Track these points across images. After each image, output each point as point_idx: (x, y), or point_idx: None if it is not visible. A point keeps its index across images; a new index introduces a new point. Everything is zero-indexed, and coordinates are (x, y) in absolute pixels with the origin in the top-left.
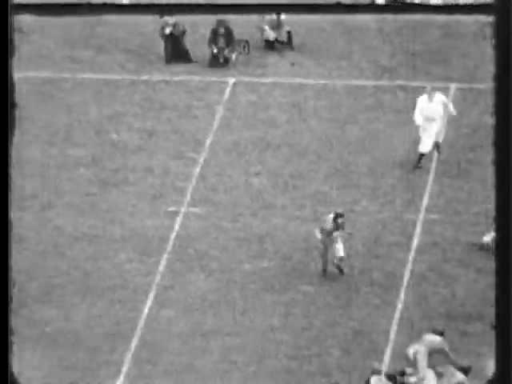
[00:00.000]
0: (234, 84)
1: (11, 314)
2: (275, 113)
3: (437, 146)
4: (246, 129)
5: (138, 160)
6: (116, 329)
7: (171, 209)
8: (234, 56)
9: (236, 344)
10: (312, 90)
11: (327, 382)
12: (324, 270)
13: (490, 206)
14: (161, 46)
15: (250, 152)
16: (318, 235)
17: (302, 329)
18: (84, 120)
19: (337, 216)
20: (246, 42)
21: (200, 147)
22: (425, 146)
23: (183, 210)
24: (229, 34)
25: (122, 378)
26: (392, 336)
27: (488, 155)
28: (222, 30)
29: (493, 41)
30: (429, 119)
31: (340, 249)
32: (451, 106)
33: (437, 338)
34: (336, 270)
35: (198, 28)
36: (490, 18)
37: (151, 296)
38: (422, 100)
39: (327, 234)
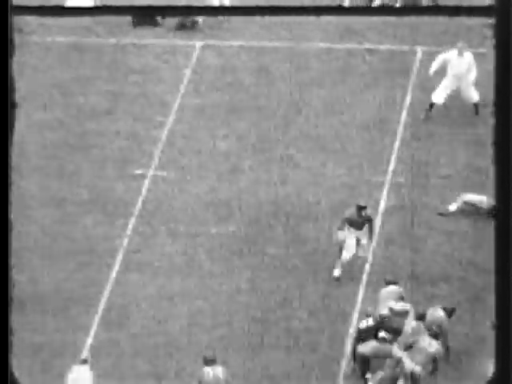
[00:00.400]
0: (202, 47)
1: (11, 314)
2: (242, 76)
3: (475, 106)
4: (214, 92)
5: (106, 123)
6: (83, 292)
7: (138, 172)
8: (200, 19)
9: (203, 307)
10: (279, 53)
11: (294, 344)
12: (337, 279)
13: (458, 169)
14: None
15: (218, 115)
16: (340, 235)
17: (270, 292)
18: (51, 83)
19: (360, 208)
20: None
21: (167, 110)
22: (437, 96)
23: (150, 173)
24: None
25: (89, 341)
26: (359, 299)
27: (455, 118)
28: None
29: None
30: (456, 76)
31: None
32: (474, 69)
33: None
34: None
35: None
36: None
37: (118, 259)
38: (452, 55)
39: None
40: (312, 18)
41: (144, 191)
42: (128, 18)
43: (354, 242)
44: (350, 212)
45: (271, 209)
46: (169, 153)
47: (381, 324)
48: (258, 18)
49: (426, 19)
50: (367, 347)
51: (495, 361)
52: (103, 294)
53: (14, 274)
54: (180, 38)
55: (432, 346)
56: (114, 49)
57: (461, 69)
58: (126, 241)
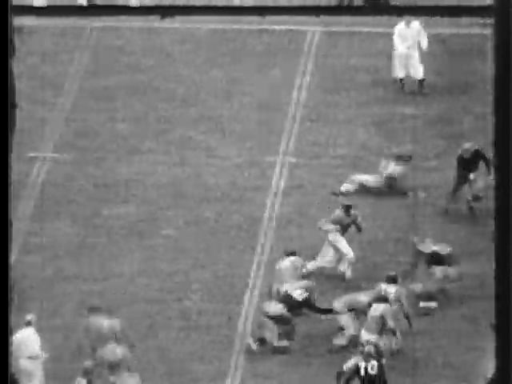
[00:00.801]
0: (99, 28)
1: (11, 314)
2: (141, 58)
3: (420, 83)
4: (112, 74)
5: None
6: None
7: (35, 154)
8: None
9: (101, 288)
10: (177, 34)
11: (187, 325)
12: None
13: (351, 149)
14: None
15: (116, 97)
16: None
17: (167, 273)
18: None
19: (348, 208)
20: None
21: (65, 92)
22: (397, 71)
23: (48, 155)
24: None
25: None
26: (253, 280)
27: (349, 99)
28: None
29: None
30: (406, 47)
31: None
32: (425, 39)
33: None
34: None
35: None
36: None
37: (17, 243)
38: (400, 27)
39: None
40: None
41: (43, 174)
42: None
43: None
44: (338, 214)
45: (170, 190)
46: (67, 135)
47: (286, 299)
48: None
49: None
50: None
51: (495, 361)
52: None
53: None
54: (76, 19)
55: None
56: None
57: (409, 39)
58: (23, 223)
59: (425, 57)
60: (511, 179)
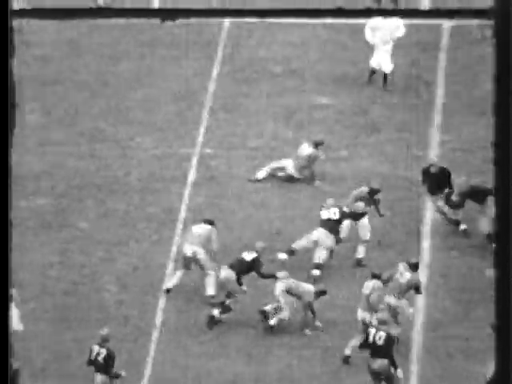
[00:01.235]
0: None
1: (11, 314)
2: (49, 49)
3: (385, 77)
4: (20, 66)
5: None
6: None
7: None
8: None
9: (14, 281)
10: (86, 26)
11: (104, 317)
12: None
13: (265, 140)
14: None
15: (24, 89)
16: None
17: (80, 265)
18: None
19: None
20: None
21: None
22: (374, 62)
23: None
24: None
25: None
26: (168, 271)
27: (262, 90)
28: None
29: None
30: (383, 38)
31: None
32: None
33: None
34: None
35: None
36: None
37: None
38: (376, 19)
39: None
40: None
41: None
42: None
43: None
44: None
45: (80, 182)
46: None
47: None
48: None
49: None
50: None
51: (495, 361)
52: None
53: None
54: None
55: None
56: None
57: (386, 31)
58: None
59: (338, 46)
60: (511, 179)
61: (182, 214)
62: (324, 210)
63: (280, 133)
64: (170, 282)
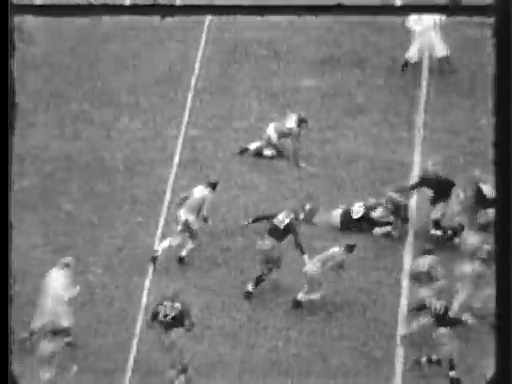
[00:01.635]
0: None
1: (11, 314)
2: (34, 32)
3: (441, 61)
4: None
5: None
6: None
7: None
8: None
9: None
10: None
11: (90, 299)
12: None
13: (251, 121)
14: None
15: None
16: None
17: (64, 247)
18: None
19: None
20: None
21: None
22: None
23: None
24: None
25: None
26: (154, 252)
27: (248, 71)
28: None
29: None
30: (421, 32)
31: None
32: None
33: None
34: None
35: None
36: None
37: None
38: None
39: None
40: None
41: None
42: None
43: None
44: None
45: (65, 164)
46: None
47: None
48: None
49: None
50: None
51: (495, 361)
52: None
53: None
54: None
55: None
56: None
57: (424, 23)
58: None
59: (323, 29)
60: (511, 179)
61: (168, 196)
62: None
63: (265, 114)
64: (159, 246)
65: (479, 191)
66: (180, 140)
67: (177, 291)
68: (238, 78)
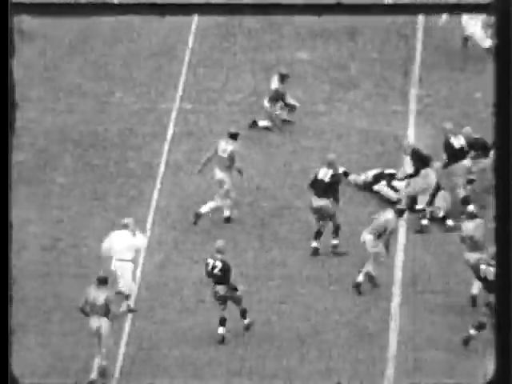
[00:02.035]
0: None
1: (11, 314)
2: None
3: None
4: None
5: None
6: None
7: None
8: None
9: None
10: None
11: (84, 272)
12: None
13: (244, 95)
14: None
15: None
16: None
17: (57, 221)
18: None
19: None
20: None
21: None
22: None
23: None
24: None
25: None
26: (148, 225)
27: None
28: None
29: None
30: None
31: None
32: None
33: None
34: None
35: None
36: None
37: None
38: None
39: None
40: None
41: None
42: None
43: None
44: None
45: (59, 137)
46: None
47: None
48: None
49: None
50: None
51: (495, 361)
52: None
53: None
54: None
55: None
56: None
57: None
58: None
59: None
60: (511, 179)
61: (162, 169)
62: None
63: (259, 88)
64: (203, 207)
65: (448, 143)
66: (174, 113)
67: (221, 246)
68: (231, 52)
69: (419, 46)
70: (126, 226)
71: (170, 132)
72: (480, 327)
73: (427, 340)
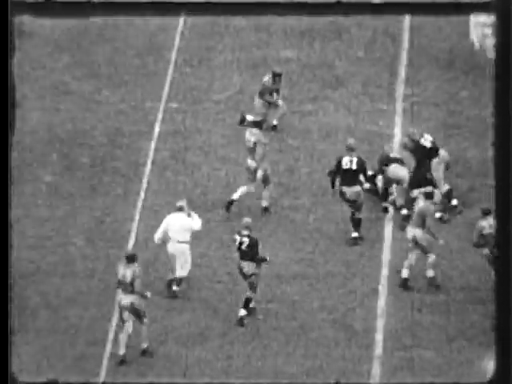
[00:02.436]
0: None
1: (11, 314)
2: None
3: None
4: None
5: None
6: None
7: None
8: None
9: None
10: None
11: (71, 271)
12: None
13: (230, 94)
14: None
15: None
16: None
17: (45, 219)
18: None
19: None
20: None
21: None
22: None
23: None
24: None
25: None
26: (135, 225)
27: (227, 44)
28: None
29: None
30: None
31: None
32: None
33: None
34: None
35: None
36: None
37: None
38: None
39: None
40: None
41: None
42: None
43: None
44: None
45: (45, 136)
46: None
47: None
48: None
49: None
50: None
51: (495, 361)
52: None
53: None
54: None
55: None
56: None
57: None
58: None
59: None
60: (511, 179)
61: (148, 168)
62: None
63: (245, 86)
64: (235, 194)
65: (419, 145)
66: (160, 112)
67: (248, 223)
68: (217, 50)
69: (406, 45)
70: (181, 209)
71: (157, 131)
72: None
73: (414, 339)
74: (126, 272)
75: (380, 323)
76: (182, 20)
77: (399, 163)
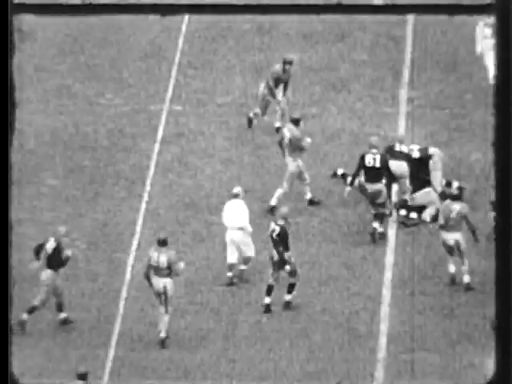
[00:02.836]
0: None
1: (11, 314)
2: None
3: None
4: None
5: None
6: None
7: None
8: None
9: None
10: None
11: (74, 274)
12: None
13: (234, 96)
14: None
15: None
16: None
17: (48, 222)
18: None
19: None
20: None
21: None
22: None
23: None
24: None
25: None
26: (138, 228)
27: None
28: None
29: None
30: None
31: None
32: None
33: None
34: None
35: None
36: None
37: None
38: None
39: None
40: None
41: None
42: None
43: None
44: None
45: (49, 139)
46: None
47: None
48: None
49: None
50: None
51: (495, 361)
52: None
53: None
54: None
55: None
56: None
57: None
58: None
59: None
60: (511, 179)
61: (151, 171)
62: None
63: (248, 89)
64: (272, 199)
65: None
66: (164, 115)
67: (285, 212)
68: (221, 53)
69: (409, 48)
70: (237, 195)
71: (160, 133)
72: None
73: (417, 341)
74: (159, 257)
75: (383, 326)
76: (185, 23)
77: (400, 158)
